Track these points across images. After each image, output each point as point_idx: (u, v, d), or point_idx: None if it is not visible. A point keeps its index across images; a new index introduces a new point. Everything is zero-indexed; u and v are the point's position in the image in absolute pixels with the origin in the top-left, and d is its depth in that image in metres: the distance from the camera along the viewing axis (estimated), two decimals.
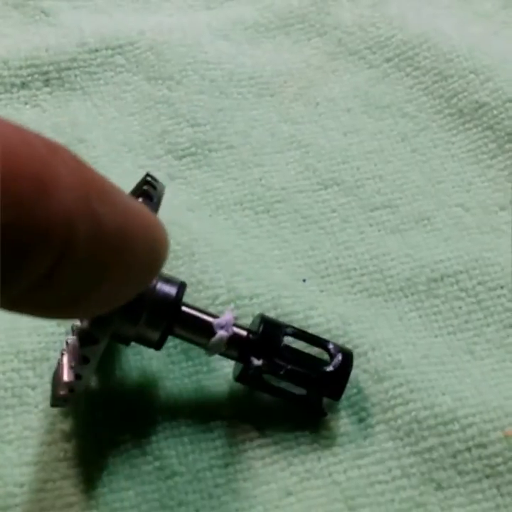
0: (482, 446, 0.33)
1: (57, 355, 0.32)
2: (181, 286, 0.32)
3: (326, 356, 0.34)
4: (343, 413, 0.34)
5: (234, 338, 0.33)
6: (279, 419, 0.34)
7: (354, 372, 0.34)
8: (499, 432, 0.33)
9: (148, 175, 0.32)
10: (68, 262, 0.20)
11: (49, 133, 0.41)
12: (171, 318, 0.32)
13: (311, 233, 0.40)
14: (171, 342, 0.35)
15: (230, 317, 0.33)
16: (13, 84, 0.43)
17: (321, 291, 0.38)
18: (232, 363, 0.35)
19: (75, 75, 0.44)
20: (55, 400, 0.30)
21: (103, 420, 0.34)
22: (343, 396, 0.34)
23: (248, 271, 0.37)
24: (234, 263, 0.37)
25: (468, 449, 0.33)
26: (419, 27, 0.46)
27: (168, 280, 0.32)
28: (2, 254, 0.18)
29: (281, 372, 0.33)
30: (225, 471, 0.33)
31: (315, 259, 0.39)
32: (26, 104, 0.43)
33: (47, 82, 0.44)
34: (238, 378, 0.34)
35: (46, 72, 0.44)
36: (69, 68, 0.44)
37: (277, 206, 0.40)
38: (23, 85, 0.43)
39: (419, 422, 0.33)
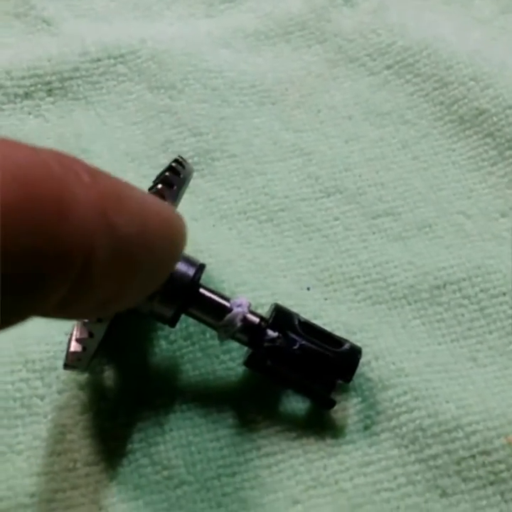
0: (486, 453, 0.33)
1: None
2: (200, 268, 0.33)
3: None
4: (348, 421, 0.34)
5: (247, 321, 0.33)
6: (286, 428, 0.34)
7: (358, 381, 0.35)
8: (503, 439, 0.33)
9: (175, 159, 0.32)
10: (90, 276, 0.20)
11: (53, 143, 0.41)
12: (185, 298, 0.32)
13: (315, 241, 0.40)
14: (178, 352, 0.36)
15: (246, 299, 0.33)
16: (16, 95, 0.43)
17: (325, 299, 0.38)
18: (239, 371, 0.35)
19: (78, 85, 0.44)
20: (68, 359, 0.31)
21: (111, 430, 0.34)
22: (349, 404, 0.34)
23: (253, 280, 0.37)
24: (238, 273, 0.38)
25: (473, 456, 0.33)
26: (419, 34, 0.46)
27: (188, 260, 0.33)
28: (24, 279, 0.19)
29: (296, 347, 0.33)
30: (233, 480, 0.33)
31: (319, 268, 0.39)
32: (29, 114, 0.43)
33: (50, 92, 0.44)
34: (247, 361, 0.34)
35: (49, 82, 0.44)
36: (71, 78, 0.44)
37: (281, 215, 0.40)
38: (26, 95, 0.43)
39: (423, 429, 0.34)
